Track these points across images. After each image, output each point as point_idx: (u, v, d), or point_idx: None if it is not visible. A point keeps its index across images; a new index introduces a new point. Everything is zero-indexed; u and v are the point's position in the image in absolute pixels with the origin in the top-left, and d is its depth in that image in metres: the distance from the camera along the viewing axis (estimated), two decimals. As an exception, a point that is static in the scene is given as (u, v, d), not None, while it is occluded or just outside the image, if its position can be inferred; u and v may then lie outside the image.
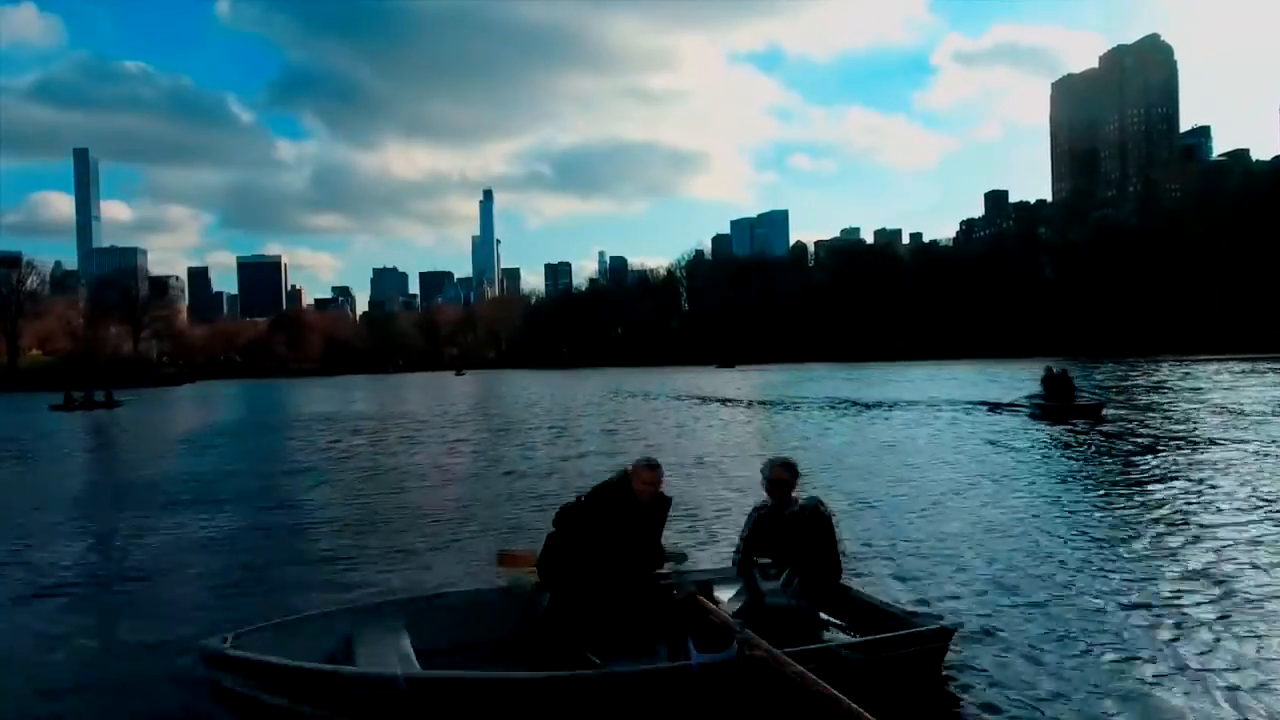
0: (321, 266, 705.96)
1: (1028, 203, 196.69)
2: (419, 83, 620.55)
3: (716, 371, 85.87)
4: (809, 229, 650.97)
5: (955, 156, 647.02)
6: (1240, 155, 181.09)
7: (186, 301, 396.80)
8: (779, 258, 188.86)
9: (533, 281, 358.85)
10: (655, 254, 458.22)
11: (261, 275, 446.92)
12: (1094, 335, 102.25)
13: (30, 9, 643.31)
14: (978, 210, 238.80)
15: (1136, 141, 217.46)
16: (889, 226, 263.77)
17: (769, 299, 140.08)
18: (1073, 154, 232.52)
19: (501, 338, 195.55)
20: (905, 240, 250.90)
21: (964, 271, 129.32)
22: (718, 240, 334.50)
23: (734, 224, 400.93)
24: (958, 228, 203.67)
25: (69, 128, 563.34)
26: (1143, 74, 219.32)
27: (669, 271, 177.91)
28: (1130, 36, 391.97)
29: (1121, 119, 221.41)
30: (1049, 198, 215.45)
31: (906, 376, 54.55)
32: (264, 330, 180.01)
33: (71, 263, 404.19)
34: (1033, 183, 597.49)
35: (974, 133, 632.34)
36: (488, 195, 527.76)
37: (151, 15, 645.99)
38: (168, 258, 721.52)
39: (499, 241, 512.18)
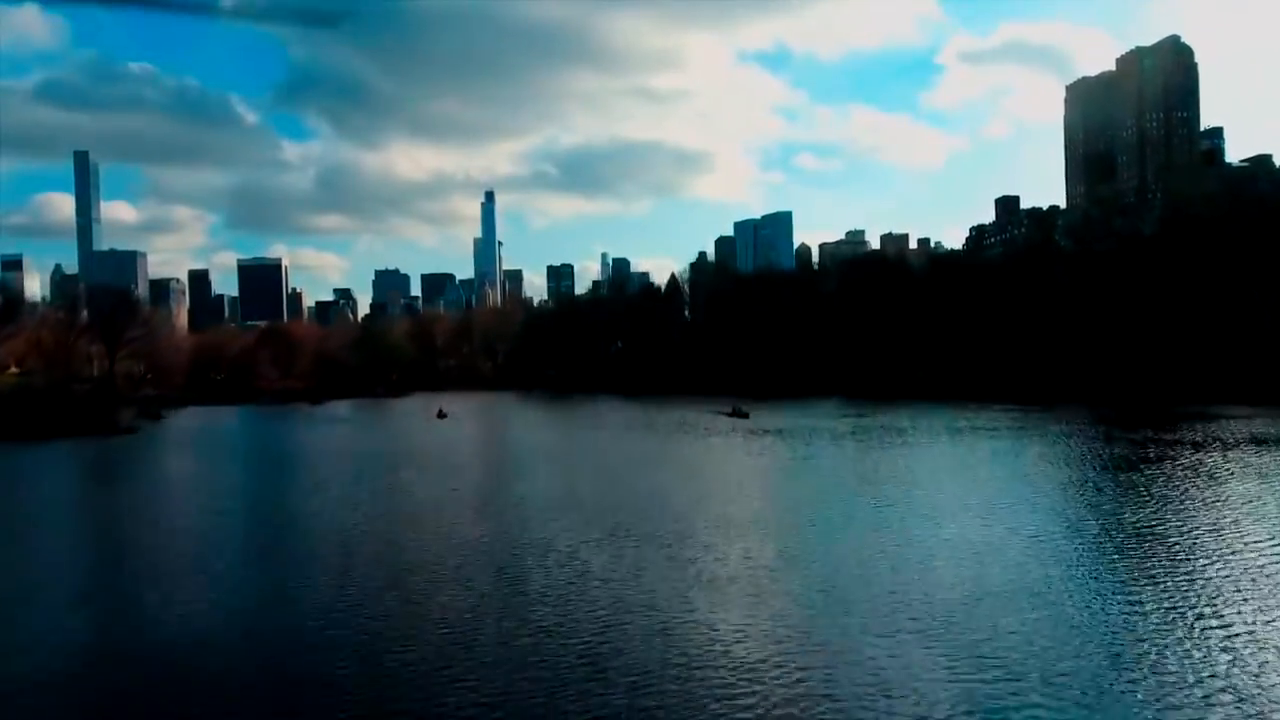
0: (328, 267, 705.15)
1: (1040, 209, 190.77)
2: (424, 82, 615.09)
3: (732, 424, 76.00)
4: (813, 229, 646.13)
5: (963, 156, 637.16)
6: (1263, 160, 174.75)
7: (187, 304, 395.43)
8: (785, 271, 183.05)
9: (536, 283, 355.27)
10: (659, 255, 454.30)
11: (262, 277, 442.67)
12: (1140, 371, 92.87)
13: (33, 9, 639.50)
14: (987, 211, 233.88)
15: (1155, 146, 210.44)
16: (895, 231, 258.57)
17: (776, 316, 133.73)
18: (1088, 158, 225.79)
19: (498, 350, 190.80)
20: (913, 245, 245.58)
21: (980, 284, 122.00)
22: (721, 243, 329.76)
23: (738, 225, 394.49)
24: (967, 233, 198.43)
25: (73, 129, 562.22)
26: (1162, 77, 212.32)
27: (671, 278, 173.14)
28: (1140, 34, 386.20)
29: (1139, 122, 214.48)
30: (1062, 202, 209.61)
31: (1012, 481, 37.41)
32: (251, 343, 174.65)
33: (72, 265, 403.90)
34: (1043, 185, 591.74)
35: (982, 132, 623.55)
36: (489, 197, 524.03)
37: (155, 15, 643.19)
38: (172, 259, 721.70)
39: (501, 243, 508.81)
